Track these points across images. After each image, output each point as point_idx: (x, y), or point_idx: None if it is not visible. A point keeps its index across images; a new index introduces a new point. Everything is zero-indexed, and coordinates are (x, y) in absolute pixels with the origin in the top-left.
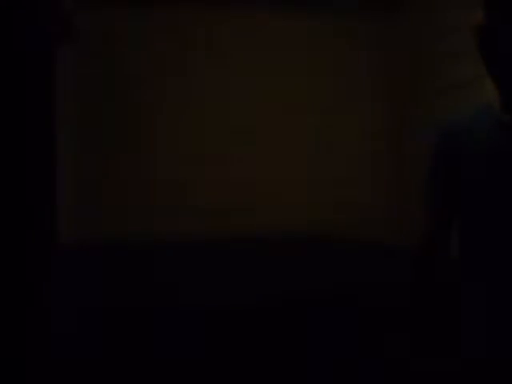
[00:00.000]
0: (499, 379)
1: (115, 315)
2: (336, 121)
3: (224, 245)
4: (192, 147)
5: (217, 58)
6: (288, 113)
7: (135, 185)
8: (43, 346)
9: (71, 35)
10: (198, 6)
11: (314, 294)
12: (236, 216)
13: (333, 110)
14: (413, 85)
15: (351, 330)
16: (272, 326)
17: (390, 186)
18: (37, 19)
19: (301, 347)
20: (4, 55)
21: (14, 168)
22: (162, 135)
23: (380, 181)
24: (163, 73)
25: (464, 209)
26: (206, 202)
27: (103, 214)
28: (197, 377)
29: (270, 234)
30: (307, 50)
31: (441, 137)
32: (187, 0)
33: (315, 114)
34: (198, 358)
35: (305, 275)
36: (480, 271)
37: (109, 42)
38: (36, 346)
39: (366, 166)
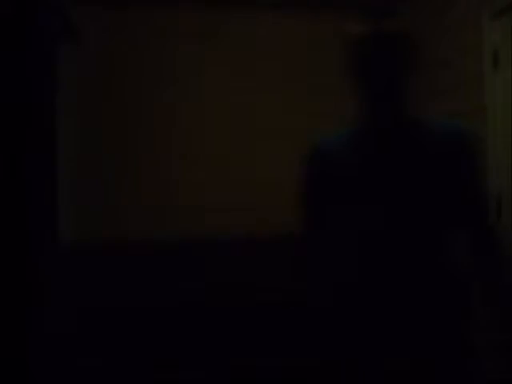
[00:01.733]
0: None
1: (115, 315)
2: (336, 120)
3: (223, 245)
4: (192, 147)
5: (217, 58)
6: (287, 112)
7: (135, 185)
8: (44, 346)
9: (71, 35)
10: (198, 6)
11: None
12: (235, 216)
13: (332, 110)
14: (412, 85)
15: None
16: (271, 324)
17: None
18: (37, 19)
19: (300, 346)
20: (4, 55)
21: (14, 168)
22: (162, 135)
23: None
24: (164, 72)
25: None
26: (205, 201)
27: (103, 214)
28: (196, 377)
29: (269, 234)
30: (307, 49)
31: (312, 156)
32: (187, 0)
33: (315, 113)
34: (197, 358)
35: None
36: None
37: (109, 42)
38: (37, 346)
39: None
